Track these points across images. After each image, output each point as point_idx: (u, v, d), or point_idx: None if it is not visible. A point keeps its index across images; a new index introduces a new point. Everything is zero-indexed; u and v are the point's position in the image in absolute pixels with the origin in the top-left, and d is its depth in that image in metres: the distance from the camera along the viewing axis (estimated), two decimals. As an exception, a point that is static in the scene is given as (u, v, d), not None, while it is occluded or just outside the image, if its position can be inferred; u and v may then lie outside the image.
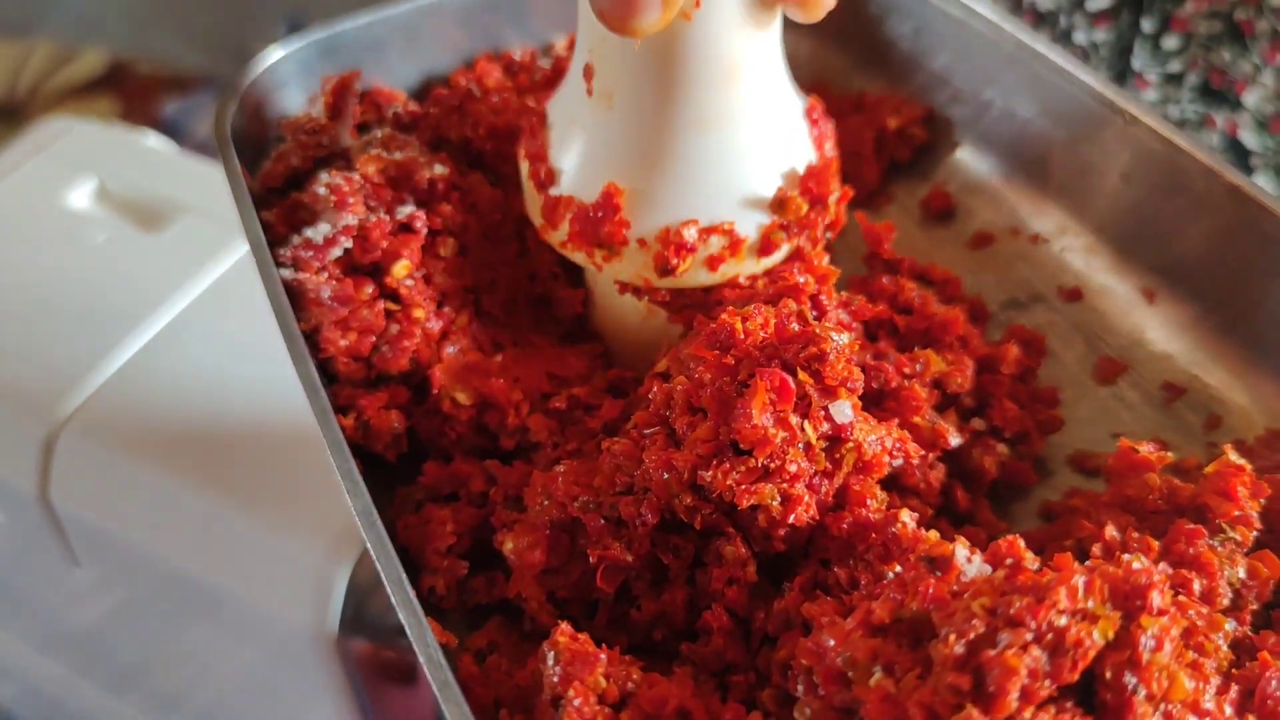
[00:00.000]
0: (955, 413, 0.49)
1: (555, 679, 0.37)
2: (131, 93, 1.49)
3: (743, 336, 0.41)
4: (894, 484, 0.45)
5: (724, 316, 0.42)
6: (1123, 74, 0.76)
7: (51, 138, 0.87)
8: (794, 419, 0.39)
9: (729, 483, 0.39)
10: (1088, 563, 0.36)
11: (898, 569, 0.38)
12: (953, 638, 0.32)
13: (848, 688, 0.34)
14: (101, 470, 0.69)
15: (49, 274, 0.77)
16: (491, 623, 0.45)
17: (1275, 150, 0.71)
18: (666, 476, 0.40)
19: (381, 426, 0.48)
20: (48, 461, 0.69)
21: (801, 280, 0.47)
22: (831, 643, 0.35)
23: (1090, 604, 0.32)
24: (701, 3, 0.43)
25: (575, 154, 0.49)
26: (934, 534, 0.38)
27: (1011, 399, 0.50)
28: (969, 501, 0.47)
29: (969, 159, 0.58)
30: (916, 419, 0.47)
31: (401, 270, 0.48)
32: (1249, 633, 0.39)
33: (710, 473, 0.39)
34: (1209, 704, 0.34)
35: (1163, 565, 0.39)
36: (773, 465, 0.39)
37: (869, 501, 0.41)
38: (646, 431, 0.42)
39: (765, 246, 0.48)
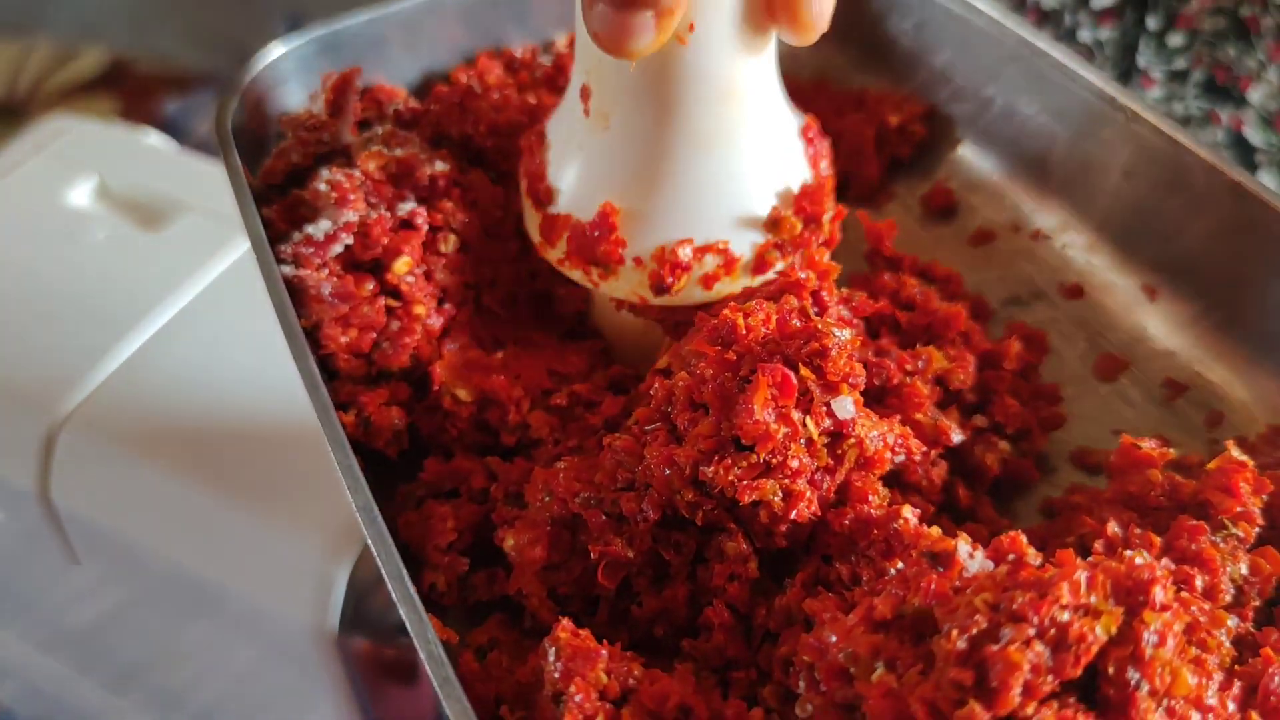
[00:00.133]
0: (957, 409, 0.49)
1: (556, 675, 0.37)
2: (132, 91, 1.49)
3: (744, 332, 0.41)
4: (896, 481, 0.45)
5: (726, 312, 0.42)
6: (1128, 71, 0.76)
7: (51, 136, 0.87)
8: (796, 415, 0.39)
9: (730, 478, 0.39)
10: (1090, 559, 0.36)
11: (900, 565, 0.38)
12: (955, 633, 0.32)
13: (849, 684, 0.34)
14: (102, 468, 0.69)
15: (49, 272, 0.77)
16: (492, 619, 0.45)
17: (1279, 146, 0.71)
18: (668, 472, 0.40)
19: (382, 423, 0.48)
20: (48, 459, 0.69)
21: (803, 276, 0.47)
22: (833, 639, 0.34)
23: (1093, 599, 0.32)
24: (696, 26, 0.44)
25: (572, 173, 0.49)
26: (936, 530, 0.38)
27: (1013, 395, 0.50)
28: (970, 499, 0.47)
29: (970, 156, 0.58)
30: (918, 416, 0.47)
31: (402, 267, 0.48)
32: (1251, 629, 0.39)
33: (712, 468, 0.39)
34: (1212, 700, 0.33)
35: (1165, 561, 0.39)
36: (774, 461, 0.39)
37: (871, 497, 0.41)
38: (648, 428, 0.42)
39: (759, 265, 0.48)
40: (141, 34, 1.62)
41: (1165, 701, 0.32)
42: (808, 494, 0.39)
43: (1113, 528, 0.41)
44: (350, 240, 0.48)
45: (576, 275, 0.50)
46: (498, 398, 0.48)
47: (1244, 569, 0.40)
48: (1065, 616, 0.31)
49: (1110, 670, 0.32)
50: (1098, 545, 0.40)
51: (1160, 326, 0.52)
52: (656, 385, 0.43)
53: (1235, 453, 0.43)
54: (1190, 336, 0.51)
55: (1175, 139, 0.50)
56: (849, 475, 0.41)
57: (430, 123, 0.53)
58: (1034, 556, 0.35)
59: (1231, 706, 0.34)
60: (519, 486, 0.46)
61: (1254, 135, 0.72)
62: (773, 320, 0.41)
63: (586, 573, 0.42)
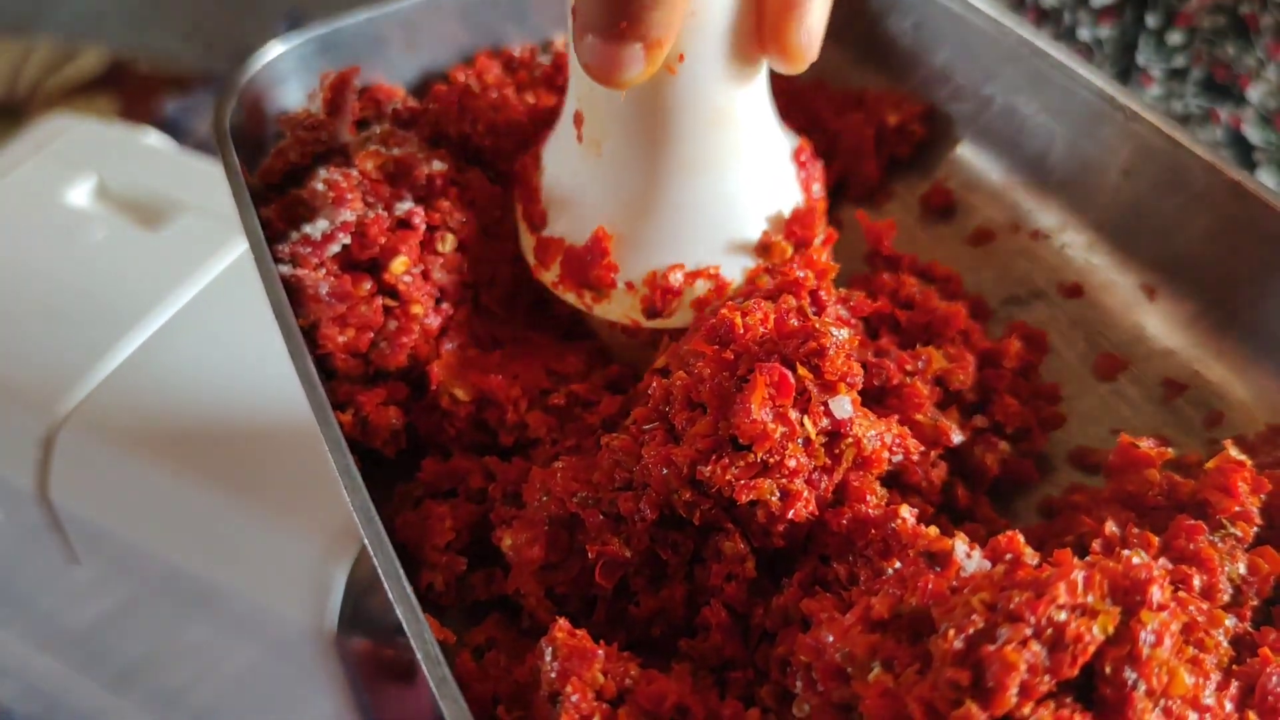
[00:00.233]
0: (957, 410, 0.49)
1: (553, 675, 0.37)
2: (131, 91, 1.49)
3: (742, 331, 0.41)
4: (896, 482, 0.45)
5: (723, 311, 0.42)
6: (1127, 70, 0.76)
7: (51, 136, 0.87)
8: (793, 414, 0.39)
9: (728, 478, 0.39)
10: (1088, 559, 0.36)
11: (897, 565, 0.38)
12: (952, 633, 0.32)
13: (846, 684, 0.34)
14: (101, 468, 0.68)
15: (48, 272, 0.77)
16: (490, 619, 0.44)
17: (1279, 145, 0.71)
18: (665, 472, 0.40)
19: (380, 423, 0.48)
20: (47, 459, 0.69)
21: (801, 275, 0.47)
22: (830, 638, 0.34)
23: (1090, 599, 0.32)
24: (686, 56, 0.45)
25: (566, 197, 0.50)
26: (934, 529, 0.38)
27: (1013, 395, 0.50)
28: (969, 499, 0.47)
29: (969, 155, 0.58)
30: (918, 416, 0.47)
31: (399, 266, 0.48)
32: (1249, 629, 0.39)
33: (709, 468, 0.39)
34: (1209, 699, 0.33)
35: (1163, 560, 0.38)
36: (772, 460, 0.39)
37: (868, 497, 0.41)
38: (645, 427, 0.42)
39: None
40: (141, 33, 1.62)
41: (1162, 701, 0.32)
42: (805, 494, 0.39)
43: (1110, 527, 0.41)
44: (348, 240, 0.48)
45: (570, 298, 0.50)
46: (495, 397, 0.48)
47: (1242, 569, 0.40)
48: (1062, 616, 0.31)
49: (1107, 670, 0.32)
50: (1095, 545, 0.40)
51: (1159, 326, 0.51)
52: (654, 385, 0.43)
53: (1233, 452, 0.43)
54: (1189, 336, 0.51)
55: (1174, 138, 0.50)
56: (847, 475, 0.41)
57: (428, 122, 0.53)
58: (1031, 556, 0.35)
59: (1229, 706, 0.34)
60: (517, 486, 0.46)
61: (1253, 133, 0.72)
62: (770, 320, 0.41)
63: (584, 572, 0.42)
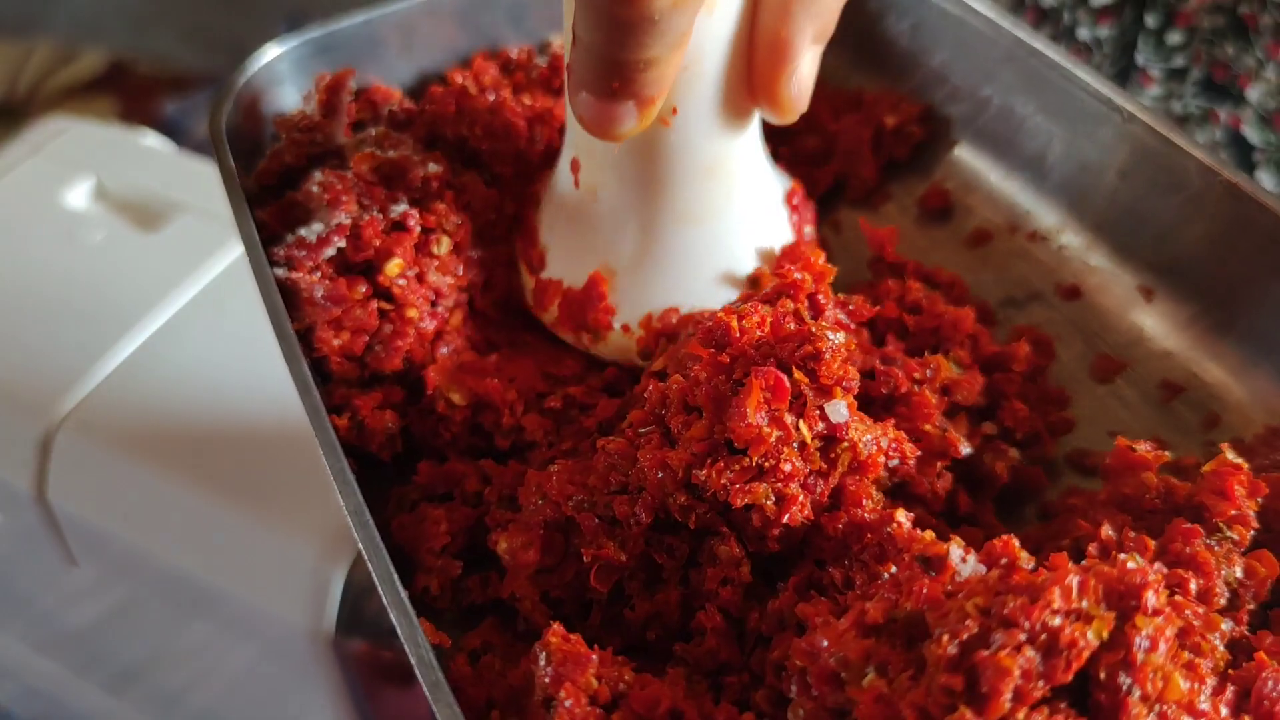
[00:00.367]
0: (965, 416, 0.49)
1: (547, 680, 0.37)
2: (131, 93, 1.49)
3: (738, 335, 0.41)
4: (901, 493, 0.45)
5: (720, 314, 0.42)
6: (1126, 70, 0.76)
7: (49, 137, 0.87)
8: (789, 418, 0.39)
9: (723, 482, 0.39)
10: (1084, 563, 0.36)
11: (893, 569, 0.38)
12: (946, 638, 0.31)
13: (841, 688, 0.34)
14: (99, 470, 0.68)
15: (46, 273, 0.77)
16: (486, 623, 0.44)
17: (1278, 145, 0.71)
18: (660, 475, 0.40)
19: (376, 426, 0.48)
20: (45, 461, 0.69)
21: (799, 277, 0.47)
22: (825, 643, 0.34)
23: (1084, 604, 0.32)
24: (679, 109, 0.46)
25: (563, 241, 0.51)
26: (929, 534, 0.38)
27: (1022, 400, 0.49)
28: (972, 506, 0.47)
29: (967, 156, 0.58)
30: (927, 426, 0.46)
31: (394, 269, 0.48)
32: (1246, 632, 0.39)
33: (704, 472, 0.39)
34: (1204, 704, 0.33)
35: (1158, 565, 0.38)
36: (767, 465, 0.39)
37: (864, 502, 0.41)
38: (641, 430, 0.42)
39: None
40: (141, 35, 1.62)
41: (1157, 707, 0.32)
42: (800, 498, 0.39)
43: (1107, 531, 0.41)
44: (343, 243, 0.48)
45: (568, 338, 0.51)
46: (491, 401, 0.48)
47: (1239, 572, 0.40)
48: (1056, 621, 0.31)
49: (1101, 675, 0.32)
50: (1092, 548, 0.40)
51: (1157, 327, 0.51)
52: (651, 388, 0.43)
53: (1230, 455, 0.43)
54: (1187, 338, 0.51)
55: (1171, 139, 0.50)
56: (843, 479, 0.41)
57: (424, 124, 0.53)
58: (1026, 560, 0.35)
59: (1224, 711, 0.34)
60: (513, 489, 0.45)
61: (1252, 134, 0.71)
62: (767, 323, 0.41)
63: (579, 576, 0.42)
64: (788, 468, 0.39)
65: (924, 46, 0.59)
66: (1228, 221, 0.49)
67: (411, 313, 0.48)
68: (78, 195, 0.82)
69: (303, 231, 0.48)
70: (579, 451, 0.46)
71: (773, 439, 0.39)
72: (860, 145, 0.58)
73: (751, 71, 0.46)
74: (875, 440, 0.41)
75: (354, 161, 0.50)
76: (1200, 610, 0.37)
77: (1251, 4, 0.69)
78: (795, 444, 0.39)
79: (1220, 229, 0.49)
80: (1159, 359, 0.51)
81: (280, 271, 0.47)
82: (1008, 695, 0.30)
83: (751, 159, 0.50)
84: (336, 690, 0.66)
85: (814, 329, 0.40)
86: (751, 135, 0.50)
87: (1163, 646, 0.32)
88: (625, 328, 0.50)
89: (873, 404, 0.48)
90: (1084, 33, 0.75)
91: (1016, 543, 0.35)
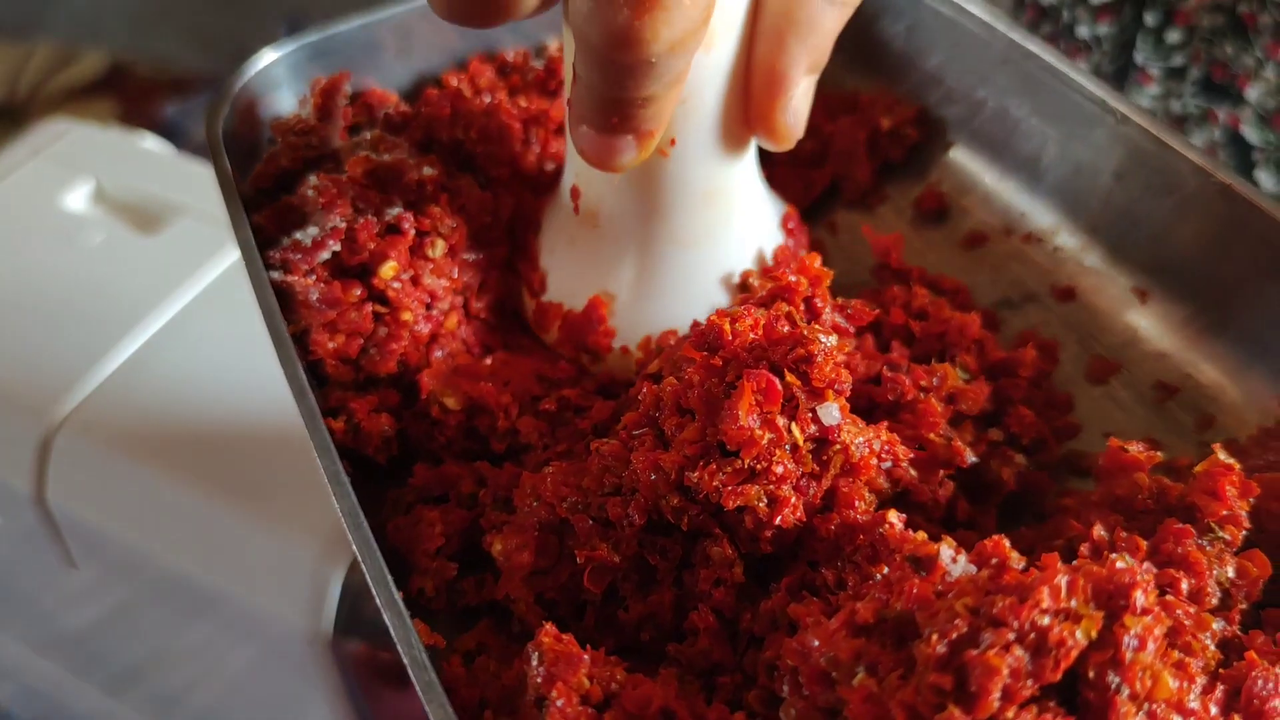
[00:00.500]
0: (971, 423, 0.49)
1: (539, 679, 0.37)
2: (131, 95, 1.49)
3: (731, 338, 0.41)
4: (903, 501, 0.45)
5: (713, 317, 0.42)
6: (1125, 68, 0.76)
7: (49, 140, 0.87)
8: (781, 420, 0.39)
9: (715, 484, 0.39)
10: (1074, 563, 0.36)
11: (885, 570, 0.38)
12: (935, 637, 0.32)
13: (832, 688, 0.34)
14: (98, 472, 0.69)
15: (46, 275, 0.77)
16: (481, 624, 0.45)
17: (1277, 145, 0.71)
18: (654, 477, 0.40)
19: (372, 430, 0.48)
20: (44, 463, 0.69)
21: (794, 279, 0.47)
22: (816, 643, 0.34)
23: (1073, 603, 0.32)
24: (677, 140, 0.47)
25: (564, 265, 0.52)
26: (921, 535, 0.38)
27: (1027, 405, 0.50)
28: (972, 514, 0.47)
29: (962, 159, 0.58)
30: (932, 435, 0.46)
31: (389, 271, 0.48)
32: (1238, 632, 0.39)
33: (696, 474, 0.39)
34: (1194, 703, 0.33)
35: (1147, 564, 0.38)
36: (759, 467, 0.39)
37: (857, 503, 0.41)
38: (635, 432, 0.42)
39: None
40: (142, 37, 1.62)
41: (1146, 705, 0.32)
42: (793, 500, 0.39)
43: (1099, 531, 0.41)
44: (338, 247, 0.48)
45: (568, 359, 0.52)
46: (486, 405, 0.48)
47: (1230, 572, 0.40)
48: (1045, 621, 0.31)
49: (1090, 674, 0.32)
50: (1083, 549, 0.40)
51: (1152, 329, 0.52)
52: (645, 390, 0.43)
53: (1222, 456, 0.43)
54: (1181, 339, 0.51)
55: (1165, 141, 0.50)
56: (835, 481, 0.41)
57: (419, 127, 0.53)
58: (1017, 561, 0.35)
59: (1214, 710, 0.34)
60: (508, 491, 0.46)
61: (1251, 133, 0.71)
62: (760, 326, 0.41)
63: (574, 578, 0.42)
64: (780, 470, 0.39)
65: (919, 49, 0.59)
66: (1222, 223, 0.49)
67: (406, 316, 0.48)
68: (77, 198, 0.83)
69: (298, 235, 0.48)
70: (574, 454, 0.46)
71: (765, 441, 0.39)
72: (856, 147, 0.58)
73: (748, 102, 0.47)
74: (868, 443, 0.41)
75: (349, 165, 0.50)
76: (1192, 610, 0.37)
77: (1251, 3, 0.69)
78: (787, 446, 0.39)
79: (1214, 230, 0.49)
80: (1154, 360, 0.51)
81: (275, 274, 0.47)
82: (996, 694, 0.31)
83: (748, 185, 0.51)
84: (335, 691, 0.66)
85: (806, 332, 0.40)
86: (748, 162, 0.51)
87: (1151, 645, 0.32)
88: (625, 349, 0.51)
89: (877, 411, 0.48)
90: (1083, 30, 0.76)
91: (1007, 543, 0.35)
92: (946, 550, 0.36)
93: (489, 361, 0.50)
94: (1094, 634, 0.32)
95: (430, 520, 0.46)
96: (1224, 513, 0.41)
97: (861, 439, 0.41)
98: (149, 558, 0.68)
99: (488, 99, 0.55)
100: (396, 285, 0.48)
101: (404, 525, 0.46)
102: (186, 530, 0.66)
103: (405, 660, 0.36)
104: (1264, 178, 0.72)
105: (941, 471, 0.46)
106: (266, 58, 0.54)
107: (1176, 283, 0.51)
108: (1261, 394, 0.48)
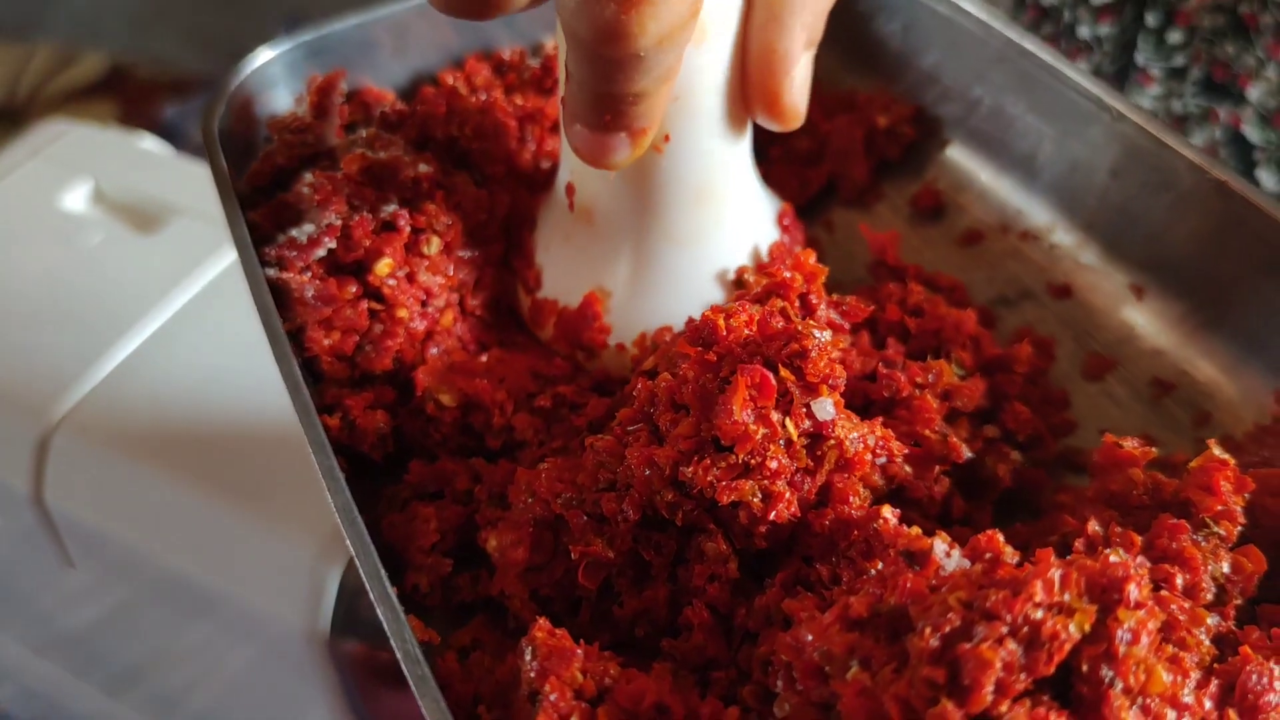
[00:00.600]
0: (967, 420, 0.49)
1: (532, 674, 0.37)
2: (131, 96, 1.49)
3: (725, 333, 0.41)
4: (899, 498, 0.45)
5: (707, 313, 0.42)
6: (1126, 68, 0.76)
7: (47, 140, 0.87)
8: (775, 416, 0.39)
9: (709, 479, 0.39)
10: (1069, 557, 0.36)
11: (880, 565, 0.38)
12: (928, 631, 0.32)
13: (825, 682, 0.34)
14: (96, 471, 0.69)
15: (44, 275, 0.77)
16: (476, 620, 0.45)
17: (1278, 144, 0.71)
18: (648, 473, 0.40)
19: (367, 426, 0.48)
20: (42, 463, 0.69)
21: (789, 275, 0.47)
22: (809, 637, 0.34)
23: (1066, 597, 0.32)
24: (671, 137, 0.47)
25: (559, 262, 0.52)
26: (915, 529, 0.38)
27: (1024, 402, 0.50)
28: (968, 510, 0.47)
29: (958, 156, 0.58)
30: (928, 431, 0.46)
31: (384, 268, 0.48)
32: (1233, 627, 0.39)
33: (691, 469, 0.39)
34: (1188, 698, 0.33)
35: (1140, 558, 0.38)
36: (753, 462, 0.39)
37: (851, 499, 0.41)
38: (630, 428, 0.42)
39: None
40: (141, 38, 1.62)
41: (1140, 699, 0.32)
42: (787, 495, 0.39)
43: (1094, 527, 0.41)
44: (333, 244, 0.48)
45: (563, 356, 0.52)
46: (481, 402, 0.48)
47: (1225, 567, 0.40)
48: (1038, 614, 0.31)
49: (1084, 668, 0.32)
50: (1078, 544, 0.40)
51: (1148, 325, 0.52)
52: (640, 386, 0.43)
53: (1217, 451, 0.42)
54: (1177, 335, 0.51)
55: (1161, 139, 0.50)
56: (830, 476, 0.41)
57: (415, 125, 0.53)
58: (1011, 555, 0.35)
59: (1208, 704, 0.34)
60: (503, 488, 0.46)
61: (1252, 133, 0.71)
62: (755, 322, 0.41)
63: (568, 574, 0.42)
64: (774, 465, 0.39)
65: (915, 47, 0.59)
66: (1218, 220, 0.49)
67: (402, 313, 0.49)
68: (76, 198, 0.83)
69: (294, 232, 0.48)
70: (569, 450, 0.46)
71: (759, 436, 0.39)
72: (852, 145, 0.58)
73: (749, 86, 0.47)
74: (862, 438, 0.41)
75: (344, 162, 0.50)
76: (1186, 605, 0.37)
77: (1252, 3, 0.69)
78: (781, 441, 0.39)
79: (1210, 227, 0.49)
80: (1150, 357, 0.51)
81: (271, 272, 0.47)
82: (989, 687, 0.31)
83: (743, 182, 0.51)
84: (333, 691, 0.66)
85: (800, 327, 0.40)
86: (743, 159, 0.51)
87: (1145, 639, 0.32)
88: (620, 346, 0.51)
89: (873, 407, 0.48)
90: (1084, 31, 0.76)
91: (1001, 538, 0.35)
92: (940, 545, 0.36)
93: (484, 358, 0.50)
94: (1087, 627, 0.32)
95: (425, 516, 0.46)
96: (1219, 508, 0.41)
97: (856, 434, 0.41)
98: (147, 558, 0.68)
99: (483, 97, 0.55)
100: (392, 282, 0.48)
101: (399, 521, 0.46)
102: (184, 530, 0.66)
103: (399, 655, 0.36)
104: (1265, 177, 0.72)
105: (937, 468, 0.46)
106: (263, 56, 0.54)
107: (1173, 279, 0.51)
108: (1257, 390, 0.48)
